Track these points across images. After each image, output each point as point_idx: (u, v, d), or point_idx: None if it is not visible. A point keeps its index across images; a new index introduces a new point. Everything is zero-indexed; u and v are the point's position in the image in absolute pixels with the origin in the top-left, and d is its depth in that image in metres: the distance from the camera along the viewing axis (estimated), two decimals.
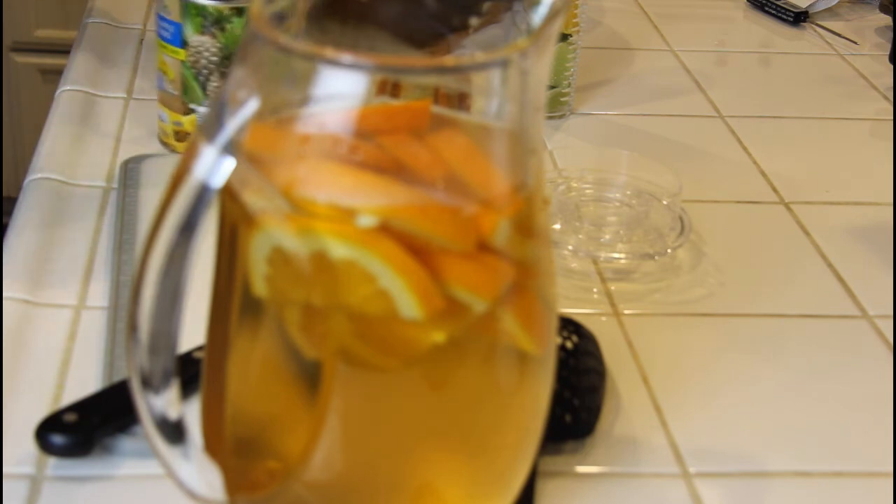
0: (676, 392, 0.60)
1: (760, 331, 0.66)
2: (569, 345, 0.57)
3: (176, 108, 0.77)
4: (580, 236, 0.70)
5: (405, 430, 0.43)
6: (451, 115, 0.42)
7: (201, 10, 0.74)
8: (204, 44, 0.75)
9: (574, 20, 0.87)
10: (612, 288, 0.68)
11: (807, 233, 0.75)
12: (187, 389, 0.43)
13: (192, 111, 0.77)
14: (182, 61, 0.75)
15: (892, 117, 0.93)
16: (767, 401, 0.60)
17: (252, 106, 0.39)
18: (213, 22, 0.74)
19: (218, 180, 0.38)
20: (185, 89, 0.76)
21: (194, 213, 0.39)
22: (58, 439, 0.51)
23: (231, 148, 0.38)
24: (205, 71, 0.75)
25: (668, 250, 0.70)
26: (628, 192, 0.74)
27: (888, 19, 1.11)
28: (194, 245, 0.39)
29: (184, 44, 0.75)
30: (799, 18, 1.10)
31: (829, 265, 0.72)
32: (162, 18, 0.76)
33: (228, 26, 0.74)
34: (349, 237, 0.39)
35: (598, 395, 0.57)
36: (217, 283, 0.43)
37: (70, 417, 0.52)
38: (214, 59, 0.75)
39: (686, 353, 0.63)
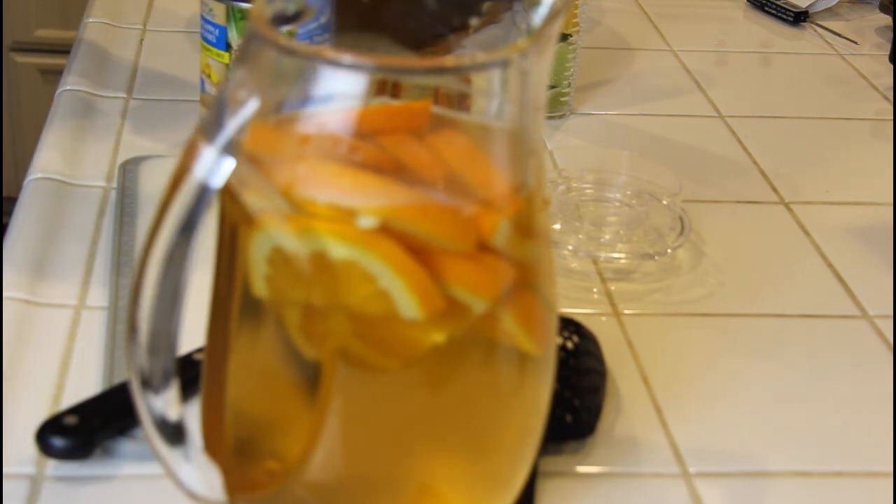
0: (676, 392, 0.60)
1: (760, 331, 0.66)
2: (569, 345, 0.57)
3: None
4: (580, 236, 0.70)
5: (405, 430, 0.43)
6: (451, 115, 0.42)
7: (245, 15, 0.73)
8: None
9: (574, 20, 0.87)
10: (612, 288, 0.68)
11: (807, 233, 0.75)
12: (188, 391, 0.43)
13: None
14: (226, 64, 0.75)
15: (892, 117, 0.93)
16: (767, 401, 0.60)
17: (252, 106, 0.39)
18: None
19: (218, 180, 0.38)
20: None
21: (194, 213, 0.39)
22: (58, 442, 0.51)
23: (231, 148, 0.38)
24: None
25: (668, 250, 0.70)
26: (628, 192, 0.74)
27: (888, 19, 1.11)
28: (194, 245, 0.39)
29: (228, 47, 0.75)
30: (799, 18, 1.10)
31: (829, 265, 0.72)
32: (206, 21, 0.76)
33: None
34: (349, 237, 0.39)
35: (598, 396, 0.57)
36: (217, 284, 0.43)
37: (70, 420, 0.52)
38: None
39: (686, 353, 0.63)
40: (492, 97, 0.41)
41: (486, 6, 0.46)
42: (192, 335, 0.43)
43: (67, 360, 0.58)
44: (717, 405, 0.59)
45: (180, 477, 0.42)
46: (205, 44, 0.76)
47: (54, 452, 0.51)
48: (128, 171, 0.74)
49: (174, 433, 0.41)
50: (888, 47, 1.05)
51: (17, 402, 0.55)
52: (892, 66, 1.00)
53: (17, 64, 1.96)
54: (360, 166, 0.40)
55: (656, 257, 0.70)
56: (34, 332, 0.60)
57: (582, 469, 0.54)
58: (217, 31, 0.75)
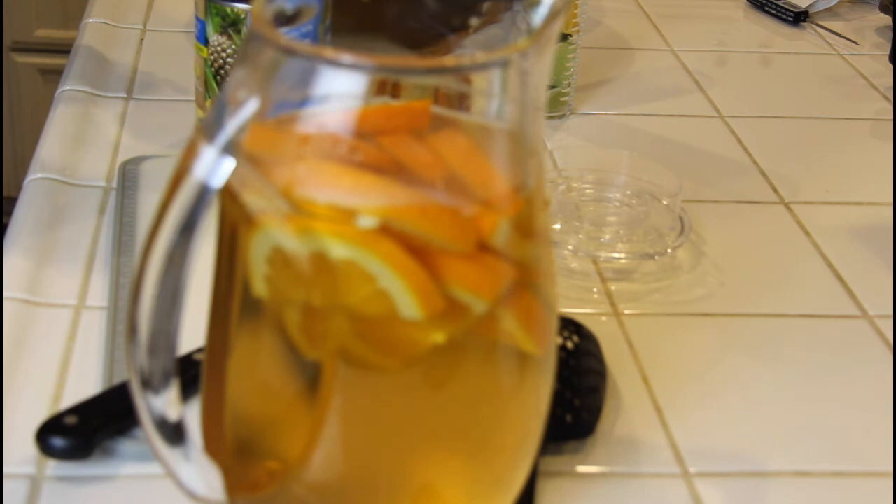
0: (676, 392, 0.60)
1: (760, 331, 0.66)
2: (569, 345, 0.57)
3: (200, 104, 0.78)
4: (580, 236, 0.70)
5: (405, 430, 0.43)
6: (451, 115, 0.42)
7: (220, 11, 0.74)
8: (222, 44, 0.74)
9: (574, 20, 0.87)
10: (612, 288, 0.68)
11: (807, 233, 0.75)
12: (188, 391, 0.43)
13: None
14: (204, 58, 0.75)
15: (892, 117, 0.93)
16: (767, 401, 0.60)
17: (252, 106, 0.39)
18: (231, 23, 0.74)
19: (218, 180, 0.38)
20: (207, 87, 0.76)
21: (194, 213, 0.39)
22: (58, 442, 0.51)
23: (231, 148, 0.38)
24: (222, 71, 0.75)
25: (668, 250, 0.70)
26: (628, 192, 0.74)
27: (888, 19, 1.11)
28: (194, 245, 0.39)
29: (206, 42, 0.75)
30: (799, 18, 1.10)
31: (829, 265, 0.72)
32: (196, 16, 0.76)
33: (244, 29, 0.74)
34: (349, 237, 0.39)
35: (598, 396, 0.57)
36: (217, 284, 0.43)
37: (70, 420, 0.52)
38: (230, 59, 0.75)
39: (686, 353, 0.63)
40: (492, 97, 0.41)
41: (486, 6, 0.46)
42: (192, 335, 0.43)
43: (67, 360, 0.58)
44: (717, 405, 0.59)
45: (180, 477, 0.42)
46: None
47: (54, 452, 0.51)
48: (128, 171, 0.74)
49: (174, 433, 0.41)
50: (888, 47, 1.05)
51: (18, 402, 0.55)
52: (892, 66, 1.00)
53: (17, 64, 1.96)
54: (360, 166, 0.40)
55: (656, 257, 0.70)
56: (34, 332, 0.60)
57: (582, 469, 0.54)
58: (199, 25, 0.75)
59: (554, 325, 0.45)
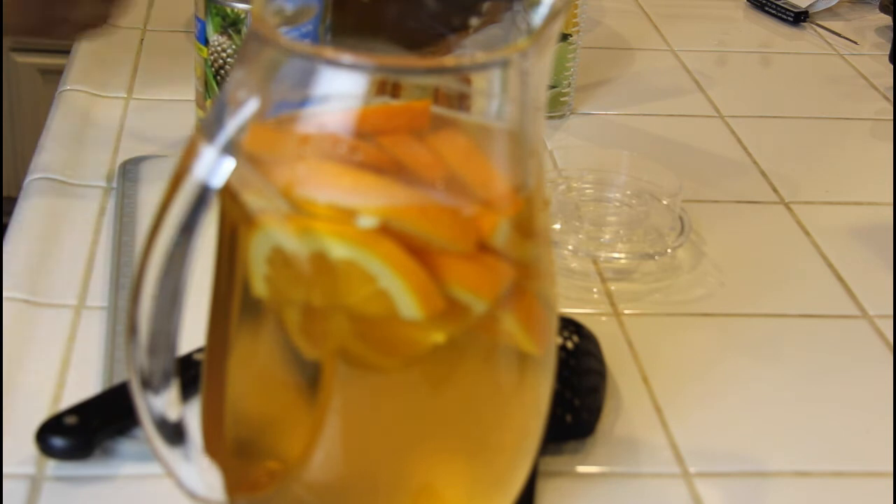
0: (676, 392, 0.60)
1: (760, 331, 0.66)
2: (569, 345, 0.57)
3: (200, 104, 0.78)
4: (580, 236, 0.70)
5: (405, 430, 0.43)
6: (451, 116, 0.42)
7: (220, 11, 0.74)
8: (222, 44, 0.75)
9: (574, 20, 0.87)
10: (612, 288, 0.68)
11: (807, 233, 0.75)
12: (188, 391, 0.43)
13: None
14: (204, 58, 0.75)
15: (892, 117, 0.93)
16: (767, 401, 0.60)
17: (252, 106, 0.39)
18: (231, 23, 0.74)
19: (218, 180, 0.38)
20: (207, 87, 0.76)
21: (194, 213, 0.39)
22: (58, 442, 0.51)
23: (231, 148, 0.38)
24: (222, 71, 0.75)
25: (668, 250, 0.70)
26: (628, 192, 0.74)
27: (888, 19, 1.11)
28: (194, 245, 0.39)
29: (206, 42, 0.75)
30: (799, 18, 1.10)
31: (829, 265, 0.72)
32: (196, 16, 0.76)
33: (244, 29, 0.74)
34: (349, 237, 0.39)
35: (598, 396, 0.57)
36: (217, 284, 0.43)
37: (70, 420, 0.52)
38: (230, 59, 0.75)
39: (686, 353, 0.63)
40: (492, 97, 0.41)
41: (486, 6, 0.46)
42: (192, 335, 0.43)
43: (67, 360, 0.58)
44: (717, 405, 0.59)
45: (180, 477, 0.42)
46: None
47: (54, 452, 0.51)
48: (128, 171, 0.74)
49: (174, 433, 0.41)
50: (888, 47, 1.05)
51: (18, 402, 0.55)
52: (892, 66, 1.00)
53: (17, 64, 1.96)
54: (360, 166, 0.40)
55: (656, 257, 0.70)
56: (34, 332, 0.60)
57: (582, 469, 0.54)
58: (199, 25, 0.75)
59: (554, 325, 0.45)
